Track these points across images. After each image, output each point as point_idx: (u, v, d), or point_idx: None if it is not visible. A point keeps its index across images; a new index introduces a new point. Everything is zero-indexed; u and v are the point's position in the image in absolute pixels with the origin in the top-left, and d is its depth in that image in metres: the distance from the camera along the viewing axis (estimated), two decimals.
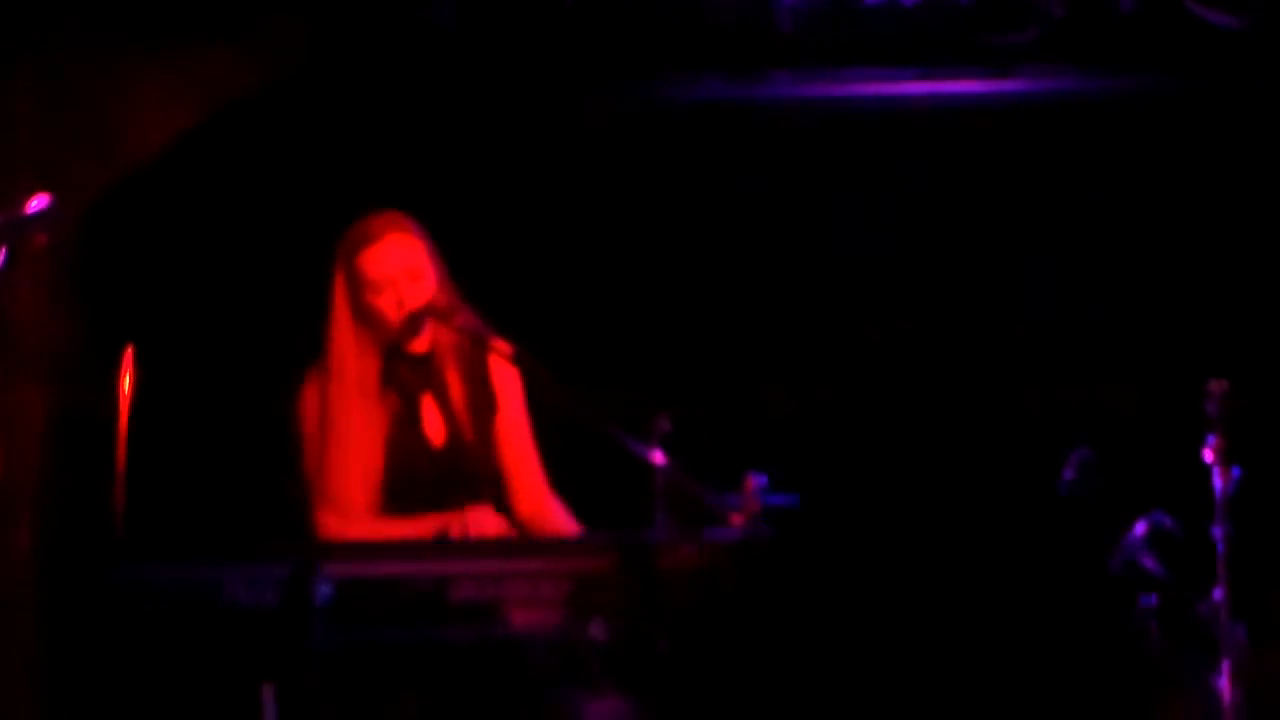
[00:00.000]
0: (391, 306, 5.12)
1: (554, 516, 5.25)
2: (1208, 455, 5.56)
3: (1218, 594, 5.54)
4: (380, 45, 6.62)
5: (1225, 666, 5.50)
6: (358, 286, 5.15)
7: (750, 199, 7.17)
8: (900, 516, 7.03)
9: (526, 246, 7.00)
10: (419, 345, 5.18)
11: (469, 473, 5.17)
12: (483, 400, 5.25)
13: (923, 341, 7.16)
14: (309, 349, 5.24)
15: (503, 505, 5.20)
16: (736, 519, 4.73)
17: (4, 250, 4.52)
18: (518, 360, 5.09)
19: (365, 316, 5.15)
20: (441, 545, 4.90)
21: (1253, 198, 6.99)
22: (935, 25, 6.65)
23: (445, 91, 6.90)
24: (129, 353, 4.91)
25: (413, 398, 5.20)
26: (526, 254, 6.99)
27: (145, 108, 6.31)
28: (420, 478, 5.12)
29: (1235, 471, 5.54)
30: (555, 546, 4.89)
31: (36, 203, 4.60)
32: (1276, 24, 6.62)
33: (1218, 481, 5.54)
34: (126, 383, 4.93)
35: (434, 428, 5.20)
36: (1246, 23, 6.61)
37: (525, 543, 5.03)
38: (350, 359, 5.15)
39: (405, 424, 5.17)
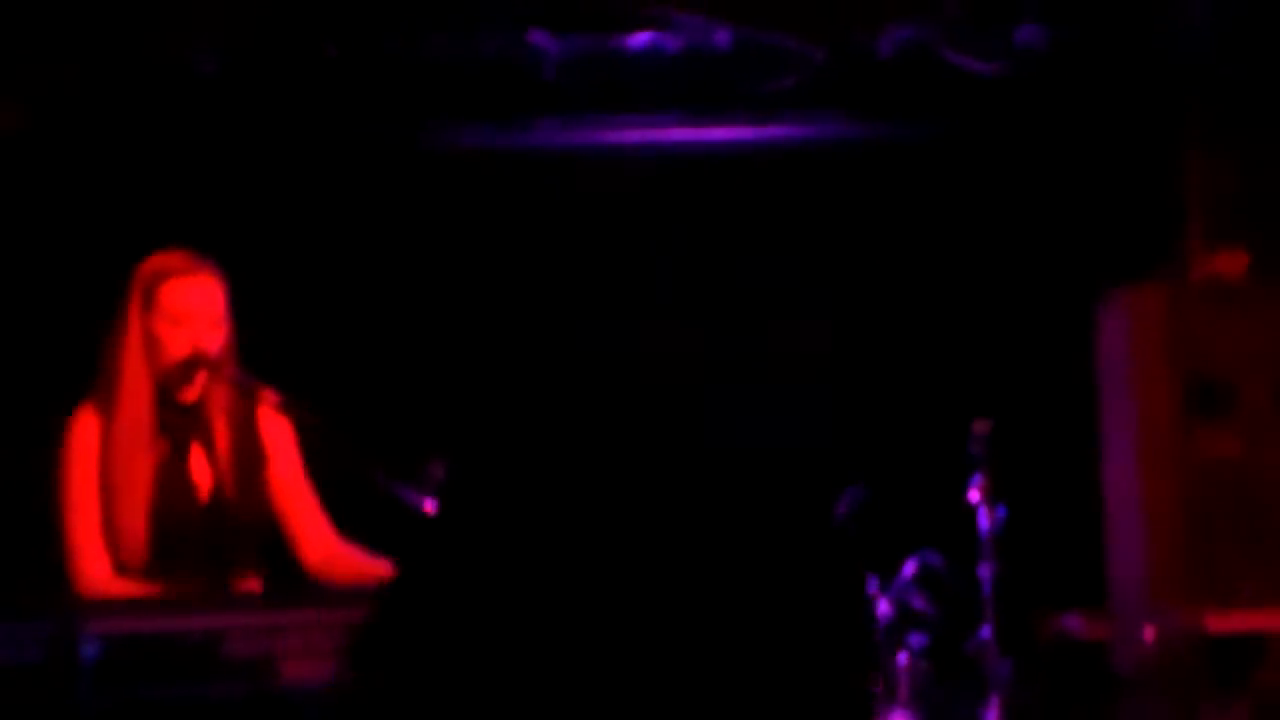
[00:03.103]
0: (182, 345, 4.99)
1: (348, 560, 5.13)
2: (973, 495, 5.67)
3: (985, 632, 5.64)
4: (145, 89, 6.54)
5: (994, 702, 5.59)
6: (154, 318, 5.02)
7: (516, 247, 7.17)
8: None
9: (291, 292, 6.93)
10: (189, 394, 5.09)
11: (234, 528, 5.07)
12: (251, 452, 5.14)
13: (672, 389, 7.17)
14: (76, 389, 5.11)
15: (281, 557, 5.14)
16: None
17: None
18: (287, 409, 5.02)
19: (152, 351, 5.02)
20: (211, 598, 4.82)
21: (1010, 241, 7.12)
22: (698, 72, 6.70)
23: (208, 136, 6.83)
24: None
25: (181, 447, 5.10)
26: (291, 300, 6.91)
27: None
28: (186, 531, 5.01)
29: (1000, 510, 5.64)
30: (326, 597, 4.83)
31: None
32: (1028, 71, 6.77)
33: (983, 520, 5.64)
34: None
35: (200, 480, 5.10)
36: (999, 70, 6.75)
37: (295, 594, 4.95)
38: (138, 395, 5.02)
39: (172, 474, 5.05)
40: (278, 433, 5.19)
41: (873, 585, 5.79)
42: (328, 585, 5.06)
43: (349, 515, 5.18)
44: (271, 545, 5.15)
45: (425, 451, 4.86)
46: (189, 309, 5.03)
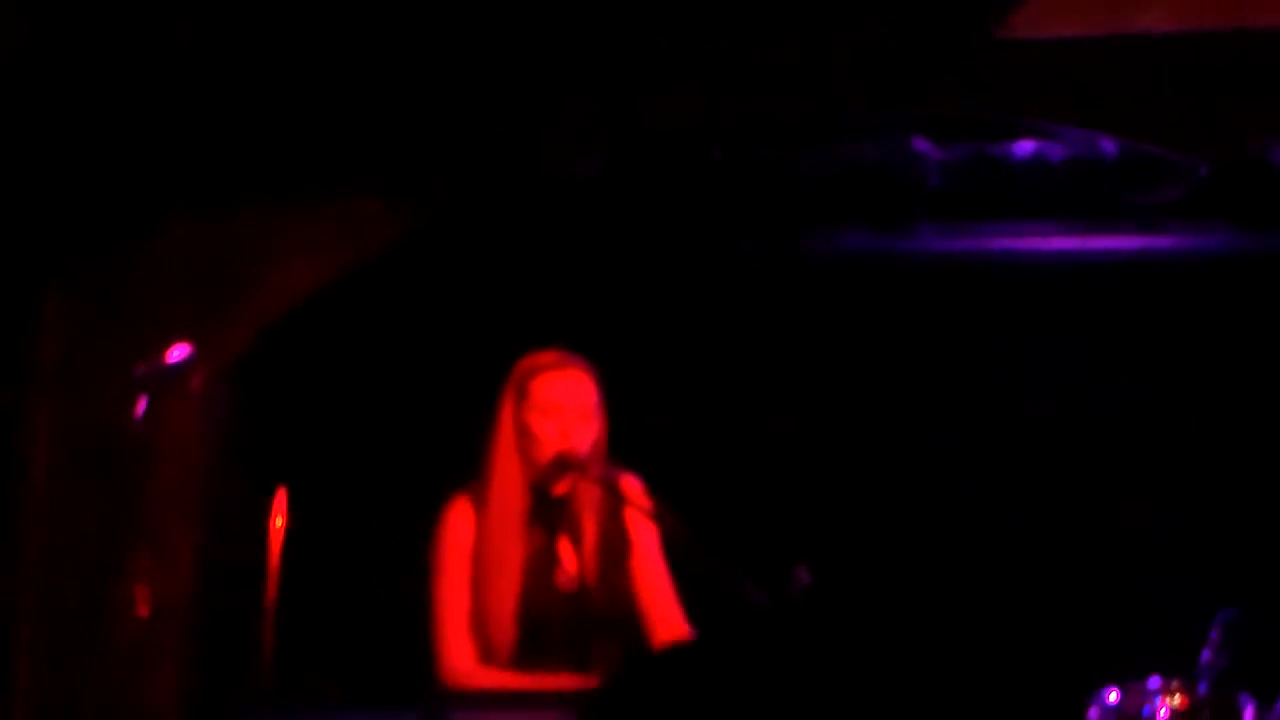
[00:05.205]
0: (553, 437, 5.14)
1: None
2: None
3: None
4: (525, 193, 6.71)
5: None
6: (525, 410, 5.18)
7: (896, 350, 7.17)
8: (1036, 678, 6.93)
9: (671, 392, 7.04)
10: (560, 487, 5.22)
11: (598, 619, 5.17)
12: (617, 544, 5.24)
13: (1077, 506, 7.09)
14: (453, 481, 5.26)
15: (638, 646, 5.21)
16: None
17: (145, 399, 4.61)
18: (656, 518, 5.11)
19: (524, 444, 5.18)
20: (571, 696, 4.89)
21: None
22: (1082, 182, 6.64)
23: (590, 237, 6.99)
24: (281, 495, 4.97)
25: (551, 538, 5.22)
26: (671, 400, 7.02)
27: (294, 257, 6.43)
28: (552, 620, 5.13)
29: None
30: None
31: (177, 352, 4.70)
32: None
33: None
34: (278, 524, 4.99)
35: (568, 570, 5.21)
36: None
37: None
38: (510, 485, 5.17)
39: (542, 565, 5.18)
40: (642, 524, 5.28)
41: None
42: None
43: (705, 616, 5.22)
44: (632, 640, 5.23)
45: (790, 556, 4.87)
46: (558, 401, 5.17)
